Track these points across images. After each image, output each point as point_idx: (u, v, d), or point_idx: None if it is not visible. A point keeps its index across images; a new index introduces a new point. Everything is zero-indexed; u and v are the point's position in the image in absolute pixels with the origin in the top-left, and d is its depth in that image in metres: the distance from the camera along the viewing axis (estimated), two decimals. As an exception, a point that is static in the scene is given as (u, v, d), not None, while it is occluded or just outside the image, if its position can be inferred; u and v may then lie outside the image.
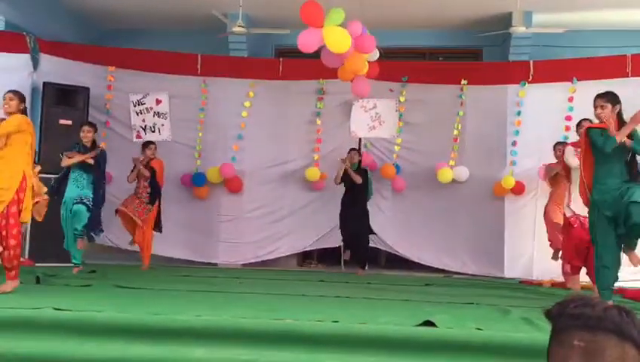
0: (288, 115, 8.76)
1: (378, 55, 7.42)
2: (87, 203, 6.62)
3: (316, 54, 6.96)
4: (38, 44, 8.21)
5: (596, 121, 5.25)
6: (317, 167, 8.56)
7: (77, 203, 6.59)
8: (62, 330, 3.59)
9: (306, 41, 6.33)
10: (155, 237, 7.75)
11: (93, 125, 7.01)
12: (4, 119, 5.22)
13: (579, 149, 6.03)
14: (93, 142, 6.85)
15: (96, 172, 6.76)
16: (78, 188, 6.69)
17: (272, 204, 8.76)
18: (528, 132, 8.26)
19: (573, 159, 6.12)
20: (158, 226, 7.69)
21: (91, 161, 6.68)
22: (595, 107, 5.09)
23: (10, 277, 4.94)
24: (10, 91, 5.28)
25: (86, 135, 6.75)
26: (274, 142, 8.73)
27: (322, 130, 8.71)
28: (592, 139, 5.03)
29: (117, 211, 7.55)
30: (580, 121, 6.45)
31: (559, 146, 7.01)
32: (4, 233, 4.88)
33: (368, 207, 8.11)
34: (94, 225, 6.78)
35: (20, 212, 4.98)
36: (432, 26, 9.23)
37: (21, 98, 5.24)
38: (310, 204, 8.68)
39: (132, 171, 7.67)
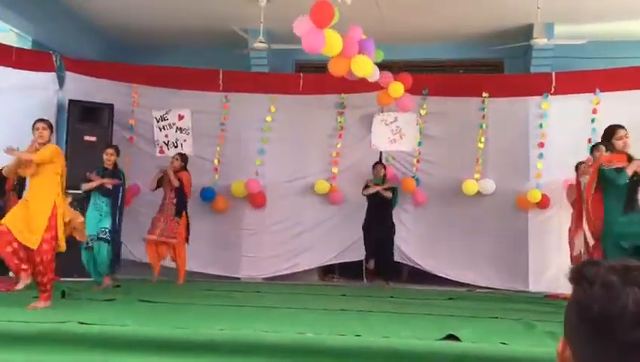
0: (309, 129, 8.80)
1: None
2: (107, 237, 6.62)
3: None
4: (64, 62, 8.37)
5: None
6: (334, 180, 8.60)
7: (98, 239, 6.58)
8: (87, 344, 3.63)
9: (311, 43, 6.17)
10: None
11: (115, 148, 7.05)
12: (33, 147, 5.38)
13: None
14: (115, 165, 6.91)
15: (116, 197, 6.79)
16: (97, 213, 6.68)
17: (294, 217, 8.78)
18: (552, 144, 8.19)
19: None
20: (187, 239, 7.79)
21: (109, 186, 6.74)
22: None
23: (43, 297, 5.10)
24: (42, 121, 5.42)
25: (109, 158, 6.82)
26: (295, 157, 8.76)
27: (343, 143, 8.73)
28: (606, 175, 5.20)
29: (146, 240, 7.63)
30: (597, 145, 6.45)
31: (583, 166, 6.98)
32: (37, 259, 5.04)
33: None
34: (116, 261, 6.81)
35: (53, 238, 5.16)
36: (453, 39, 9.23)
37: (52, 128, 5.46)
38: (331, 217, 8.69)
39: (154, 177, 7.73)
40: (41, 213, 5.12)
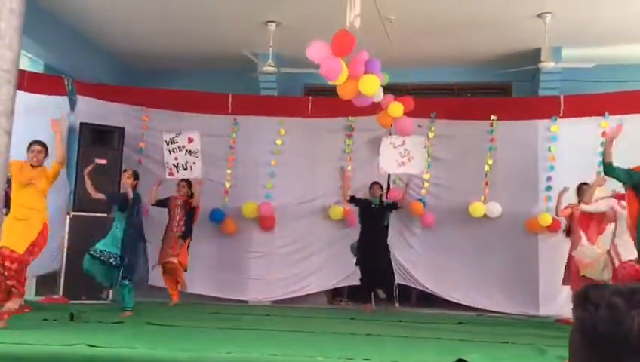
0: (318, 152, 8.82)
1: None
2: (114, 263, 6.49)
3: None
4: (75, 85, 8.47)
5: None
6: (346, 204, 8.58)
7: (110, 264, 6.50)
8: (95, 367, 3.62)
9: (329, 71, 6.19)
10: (186, 274, 7.80)
11: (132, 171, 6.97)
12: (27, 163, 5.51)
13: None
14: (134, 188, 6.79)
15: (130, 216, 6.68)
16: (111, 235, 6.62)
17: (303, 240, 8.76)
18: (560, 168, 8.17)
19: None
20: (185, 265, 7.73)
21: (99, 196, 6.78)
22: None
23: (15, 296, 5.33)
24: (38, 143, 5.50)
25: (125, 181, 6.81)
26: (304, 179, 8.77)
27: (352, 166, 8.74)
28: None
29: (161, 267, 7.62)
30: None
31: (584, 187, 7.06)
32: (7, 263, 5.26)
33: (398, 242, 8.27)
34: (127, 274, 6.60)
35: (36, 253, 5.46)
36: (461, 62, 9.28)
37: (47, 151, 5.55)
38: (340, 240, 8.65)
39: (154, 191, 7.70)
40: (35, 228, 5.33)
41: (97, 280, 6.66)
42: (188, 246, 7.76)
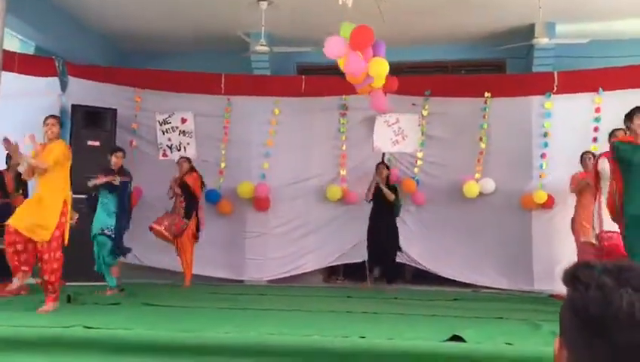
0: (312, 131, 8.80)
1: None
2: (109, 233, 6.78)
3: (338, 71, 6.97)
4: (67, 67, 8.39)
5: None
6: (343, 183, 8.58)
7: (100, 234, 6.77)
8: (92, 348, 3.64)
9: (353, 69, 6.26)
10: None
11: (122, 151, 7.17)
12: (42, 143, 5.39)
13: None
14: (121, 167, 6.99)
15: (122, 194, 6.90)
16: (104, 213, 6.82)
17: (298, 219, 8.78)
18: (555, 144, 8.18)
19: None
20: (195, 236, 7.86)
21: (116, 182, 6.79)
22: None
23: (51, 299, 5.15)
24: (53, 117, 5.50)
25: (115, 161, 6.94)
26: (299, 159, 8.77)
27: (346, 145, 8.73)
28: (621, 153, 5.04)
29: (150, 228, 7.63)
30: (613, 131, 6.38)
31: (588, 155, 7.01)
32: (46, 256, 5.04)
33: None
34: (117, 250, 6.85)
35: (61, 234, 5.23)
36: (455, 40, 9.22)
37: (61, 124, 5.51)
38: (336, 218, 8.68)
39: (169, 189, 7.85)
40: (52, 210, 5.18)
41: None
42: (198, 222, 7.85)
